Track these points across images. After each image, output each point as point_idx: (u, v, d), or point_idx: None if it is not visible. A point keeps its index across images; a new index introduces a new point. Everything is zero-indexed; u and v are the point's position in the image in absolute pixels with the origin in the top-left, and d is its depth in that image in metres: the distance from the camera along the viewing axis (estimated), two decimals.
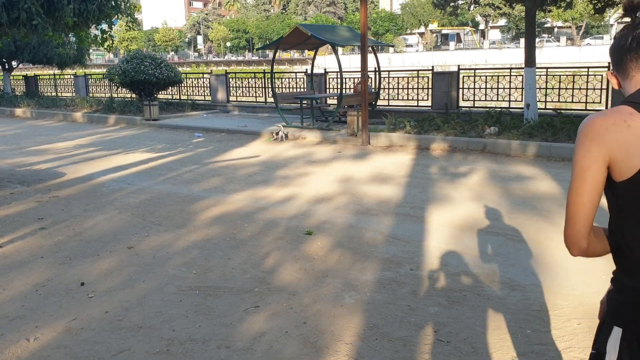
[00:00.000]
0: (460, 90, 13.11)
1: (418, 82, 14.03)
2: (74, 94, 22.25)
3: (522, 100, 11.57)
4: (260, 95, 17.32)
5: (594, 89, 11.43)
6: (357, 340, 3.25)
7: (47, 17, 7.38)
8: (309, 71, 15.34)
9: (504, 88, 12.78)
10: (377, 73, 13.88)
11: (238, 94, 18.12)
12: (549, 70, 12.39)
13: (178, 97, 19.34)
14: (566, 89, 11.94)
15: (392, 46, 53.26)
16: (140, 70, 16.48)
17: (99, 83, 21.95)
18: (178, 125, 14.49)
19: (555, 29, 69.43)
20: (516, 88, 12.50)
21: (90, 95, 21.89)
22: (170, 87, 18.26)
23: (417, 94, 13.90)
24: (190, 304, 3.80)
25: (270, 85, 13.91)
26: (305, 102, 13.03)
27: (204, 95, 18.97)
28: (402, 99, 14.37)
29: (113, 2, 8.11)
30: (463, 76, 13.32)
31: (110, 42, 9.39)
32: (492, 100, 12.94)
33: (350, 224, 5.59)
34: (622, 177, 1.35)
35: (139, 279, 4.28)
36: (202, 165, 9.14)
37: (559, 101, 12.21)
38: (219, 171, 8.57)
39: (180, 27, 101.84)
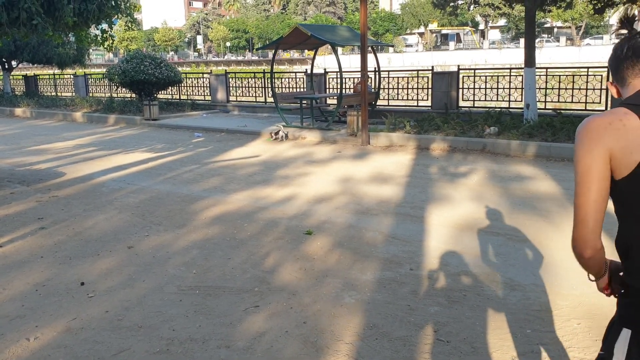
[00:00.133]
0: (460, 90, 13.11)
1: (418, 82, 14.03)
2: (73, 93, 22.24)
3: (521, 101, 11.57)
4: (260, 95, 17.32)
5: (594, 89, 11.44)
6: (357, 340, 3.25)
7: (47, 16, 7.38)
8: (309, 71, 15.33)
9: (503, 88, 12.78)
10: (377, 73, 13.88)
11: (238, 94, 18.12)
12: (548, 70, 12.39)
13: (178, 97, 19.34)
14: (566, 89, 11.94)
15: (392, 46, 53.26)
16: (140, 70, 16.48)
17: (99, 83, 21.94)
18: (178, 125, 14.49)
19: (555, 29, 69.46)
20: (516, 88, 12.51)
21: (90, 95, 21.88)
22: (170, 87, 18.26)
23: (417, 94, 13.90)
24: (190, 303, 3.80)
25: (270, 85, 13.92)
26: (305, 102, 13.03)
27: (204, 95, 18.96)
28: (402, 99, 14.37)
29: (113, 2, 8.11)
30: (463, 76, 13.32)
31: (110, 42, 9.40)
32: (491, 101, 12.94)
33: (350, 224, 5.60)
34: (623, 174, 1.38)
35: (139, 278, 4.28)
36: (202, 165, 9.14)
37: (558, 101, 12.21)
38: (218, 171, 8.57)
39: (180, 27, 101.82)
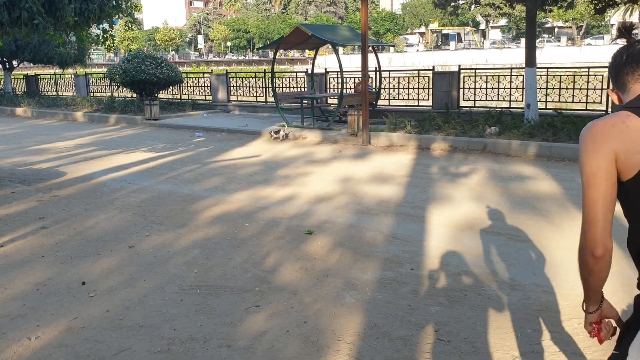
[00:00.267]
0: (461, 90, 13.11)
1: (419, 82, 14.03)
2: (74, 93, 22.25)
3: (522, 100, 11.57)
4: (261, 95, 17.32)
5: (595, 89, 11.43)
6: (357, 340, 3.26)
7: (48, 16, 7.39)
8: (310, 71, 15.33)
9: (504, 88, 12.78)
10: (378, 73, 13.87)
11: (239, 94, 18.12)
12: (549, 70, 12.39)
13: (179, 97, 19.34)
14: (567, 89, 11.93)
15: (393, 46, 53.28)
16: (141, 69, 16.49)
17: (100, 82, 21.95)
18: (179, 125, 14.50)
19: (556, 29, 69.43)
20: (517, 88, 12.50)
21: (91, 94, 21.89)
22: (171, 87, 18.28)
23: (418, 94, 13.90)
24: (191, 303, 3.81)
25: (270, 85, 13.92)
26: (305, 101, 13.03)
27: (205, 95, 18.97)
28: (403, 99, 14.37)
29: (114, 2, 8.12)
30: (464, 76, 13.32)
31: (111, 41, 9.40)
32: (492, 100, 12.94)
33: (350, 224, 5.60)
34: (629, 176, 1.39)
35: (140, 278, 4.29)
36: (202, 164, 9.14)
37: (559, 101, 12.20)
38: (219, 171, 8.58)
39: (180, 26, 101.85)
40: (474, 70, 13.55)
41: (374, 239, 5.11)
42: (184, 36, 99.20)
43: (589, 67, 12.12)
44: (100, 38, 9.32)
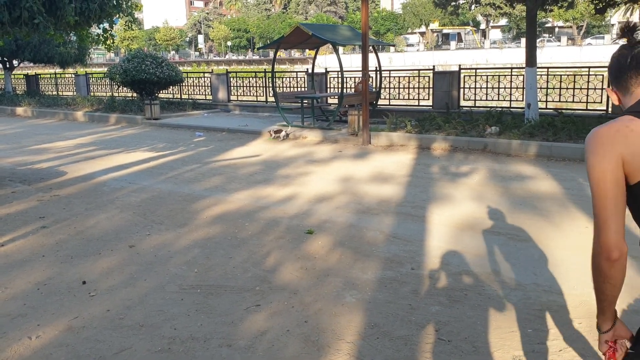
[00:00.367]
0: (461, 90, 13.11)
1: (419, 82, 14.02)
2: (74, 93, 22.26)
3: (523, 100, 11.57)
4: (261, 94, 17.33)
5: (595, 88, 11.43)
6: (358, 339, 3.26)
7: (49, 16, 7.39)
8: (310, 70, 15.34)
9: (505, 88, 12.78)
10: (378, 72, 13.87)
11: (239, 94, 18.12)
12: (549, 70, 12.39)
13: (179, 97, 19.35)
14: (567, 88, 11.93)
15: (393, 45, 53.27)
16: (142, 69, 16.49)
17: (100, 82, 21.96)
18: (179, 125, 14.50)
19: (556, 29, 69.42)
20: (517, 88, 12.51)
21: (91, 94, 21.90)
22: (171, 87, 18.28)
23: (418, 94, 13.90)
24: (191, 302, 3.81)
25: (271, 85, 13.92)
26: (306, 101, 13.03)
27: (205, 95, 18.97)
28: (403, 99, 14.37)
29: (114, 1, 8.11)
30: (464, 76, 13.32)
31: (111, 41, 9.40)
32: (493, 100, 12.94)
33: (351, 223, 5.60)
34: (636, 179, 1.39)
35: (140, 277, 4.29)
36: (203, 164, 9.15)
37: (559, 101, 12.20)
38: (220, 170, 8.58)
39: (181, 26, 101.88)
40: (474, 70, 13.55)
41: (374, 239, 5.11)
42: (184, 36, 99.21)
43: (589, 67, 12.12)
44: (101, 37, 9.32)
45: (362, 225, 5.53)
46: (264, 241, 5.10)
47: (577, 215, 5.69)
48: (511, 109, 12.06)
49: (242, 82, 18.16)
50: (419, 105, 13.74)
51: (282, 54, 62.32)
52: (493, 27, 72.33)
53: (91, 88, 22.28)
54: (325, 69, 16.68)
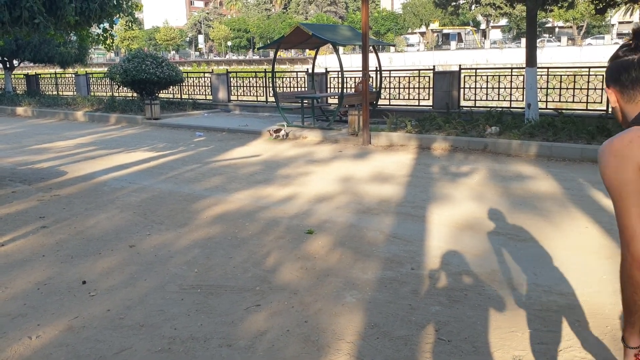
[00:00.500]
0: (462, 90, 13.11)
1: (419, 82, 14.03)
2: (75, 92, 22.26)
3: (523, 100, 11.57)
4: (261, 94, 17.33)
5: (595, 89, 11.43)
6: (358, 339, 3.26)
7: (49, 15, 7.39)
8: (310, 70, 15.34)
9: (505, 88, 12.78)
10: (379, 72, 13.87)
11: (239, 93, 18.13)
12: (550, 70, 12.39)
13: (179, 97, 19.35)
14: (567, 89, 11.94)
15: (394, 45, 53.30)
16: (142, 69, 16.50)
17: (100, 82, 21.96)
18: (179, 125, 14.51)
19: (557, 29, 69.42)
20: (517, 88, 12.51)
21: (92, 94, 21.90)
22: (171, 86, 18.29)
23: (418, 94, 13.90)
24: (191, 302, 3.81)
25: (271, 85, 13.92)
26: (306, 101, 13.03)
27: (205, 95, 18.97)
28: (403, 99, 14.38)
29: (115, 1, 8.12)
30: (464, 76, 13.32)
31: (111, 41, 9.40)
32: (493, 100, 12.94)
33: (351, 223, 5.60)
34: None
35: (140, 277, 4.29)
36: (203, 164, 9.15)
37: (560, 101, 12.21)
38: (220, 170, 8.58)
39: (181, 26, 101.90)
40: (474, 70, 13.55)
41: (374, 239, 5.11)
42: (185, 36, 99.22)
43: (589, 67, 12.12)
44: (101, 37, 9.32)
45: (362, 225, 5.53)
46: (264, 241, 5.11)
47: (577, 215, 5.69)
48: (511, 109, 12.07)
49: (242, 82, 18.16)
50: (419, 105, 13.75)
51: (282, 53, 62.34)
52: (493, 27, 72.35)
53: (91, 88, 22.29)
54: (326, 69, 16.69)
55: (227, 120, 15.21)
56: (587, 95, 11.47)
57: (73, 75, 23.24)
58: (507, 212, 5.84)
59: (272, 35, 77.45)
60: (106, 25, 9.08)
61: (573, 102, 11.90)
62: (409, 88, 14.20)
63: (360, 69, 11.11)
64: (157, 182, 7.82)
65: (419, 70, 14.52)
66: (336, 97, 13.71)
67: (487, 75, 13.10)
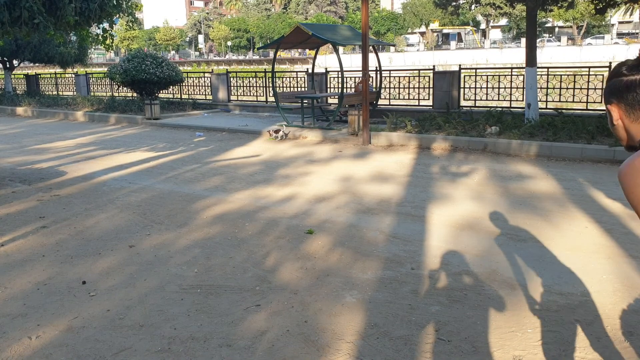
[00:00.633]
0: (462, 90, 13.11)
1: (419, 82, 14.03)
2: (75, 92, 22.26)
3: (523, 100, 11.57)
4: (261, 94, 17.33)
5: (595, 88, 11.43)
6: (358, 339, 3.26)
7: (49, 15, 7.38)
8: (310, 70, 15.34)
9: (505, 88, 12.79)
10: (379, 72, 13.87)
11: (239, 93, 18.13)
12: (550, 70, 12.39)
13: (179, 97, 19.35)
14: (567, 88, 11.94)
15: (394, 45, 53.25)
16: (142, 69, 16.50)
17: (100, 82, 21.96)
18: (179, 125, 14.50)
19: (556, 29, 69.43)
20: (517, 88, 12.51)
21: (92, 94, 21.90)
22: (171, 86, 18.28)
23: (418, 94, 13.90)
24: (191, 302, 3.81)
25: (271, 85, 13.92)
26: (306, 101, 13.03)
27: (205, 95, 18.98)
28: (403, 99, 14.38)
29: (114, 1, 8.11)
30: (464, 76, 13.33)
31: (110, 41, 9.39)
32: (493, 100, 12.94)
33: (351, 223, 5.60)
34: None
35: (140, 277, 4.29)
36: (203, 164, 9.15)
37: (560, 101, 12.21)
38: (220, 170, 8.58)
39: (181, 26, 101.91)
40: (474, 70, 13.56)
41: (374, 239, 5.11)
42: (185, 36, 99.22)
43: (589, 67, 12.13)
44: (100, 37, 9.32)
45: (362, 225, 5.53)
46: (263, 241, 5.10)
47: (577, 215, 5.69)
48: (511, 109, 12.07)
49: (242, 82, 18.16)
50: (419, 105, 13.75)
51: (282, 53, 62.35)
52: (493, 27, 72.34)
53: (91, 88, 22.28)
54: (326, 68, 16.69)
55: (227, 120, 15.21)
56: (587, 95, 11.48)
57: (73, 75, 23.23)
58: (507, 212, 5.84)
59: (272, 35, 77.48)
60: (106, 25, 9.08)
61: (573, 102, 11.91)
62: (408, 88, 14.20)
63: (360, 68, 11.10)
64: (157, 182, 7.82)
65: (419, 70, 14.51)
66: (336, 97, 13.71)
67: (487, 75, 13.10)
